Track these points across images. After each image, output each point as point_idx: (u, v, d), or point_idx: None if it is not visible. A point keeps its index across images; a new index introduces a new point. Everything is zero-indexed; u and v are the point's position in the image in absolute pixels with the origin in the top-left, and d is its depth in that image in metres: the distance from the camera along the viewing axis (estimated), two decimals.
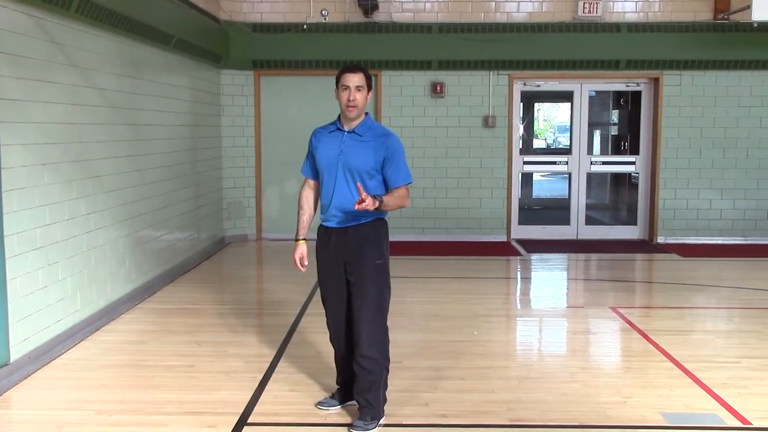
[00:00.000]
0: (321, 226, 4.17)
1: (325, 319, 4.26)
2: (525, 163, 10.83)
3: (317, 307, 5.04)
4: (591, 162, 10.80)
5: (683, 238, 10.39)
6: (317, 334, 5.63)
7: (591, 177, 11.10)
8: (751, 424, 4.11)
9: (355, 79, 3.98)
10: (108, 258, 6.29)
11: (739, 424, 4.13)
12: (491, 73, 10.26)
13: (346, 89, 3.98)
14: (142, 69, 7.16)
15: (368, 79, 4.04)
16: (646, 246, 10.28)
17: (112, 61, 6.44)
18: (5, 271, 4.68)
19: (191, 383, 4.75)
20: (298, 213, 4.31)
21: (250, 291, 7.90)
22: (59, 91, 5.47)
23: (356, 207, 3.77)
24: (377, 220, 4.09)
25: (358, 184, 3.85)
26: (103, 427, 4.07)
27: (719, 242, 10.33)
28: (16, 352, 4.79)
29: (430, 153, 10.34)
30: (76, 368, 5.05)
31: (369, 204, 3.75)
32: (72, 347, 5.44)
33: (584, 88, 10.64)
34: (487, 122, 10.29)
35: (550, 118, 22.38)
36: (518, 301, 7.53)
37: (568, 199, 10.89)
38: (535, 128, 16.57)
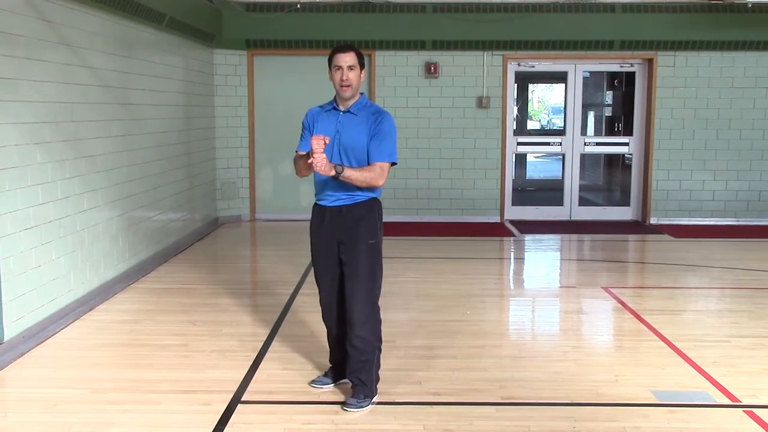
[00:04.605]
0: (315, 204, 4.16)
1: (318, 298, 4.27)
2: (519, 144, 10.82)
3: (311, 287, 5.05)
4: (585, 143, 10.80)
5: (676, 219, 10.43)
6: (311, 314, 5.65)
7: (584, 158, 11.12)
8: (740, 401, 4.16)
9: (347, 59, 3.97)
10: (101, 238, 6.28)
11: (728, 401, 4.17)
12: (485, 53, 10.23)
13: (338, 69, 3.97)
14: (134, 48, 7.11)
15: (360, 57, 4.02)
16: (639, 227, 10.32)
17: (104, 39, 6.40)
18: None
19: (185, 362, 4.77)
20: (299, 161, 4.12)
21: (243, 271, 7.91)
22: (51, 70, 5.43)
23: (308, 161, 3.76)
24: (371, 200, 4.09)
25: (325, 140, 3.78)
26: (98, 405, 4.09)
27: (711, 223, 10.38)
28: (10, 331, 4.80)
29: (424, 133, 10.33)
30: (70, 347, 5.07)
31: (321, 161, 3.71)
32: (66, 326, 5.45)
33: (578, 68, 10.62)
34: (481, 103, 10.28)
35: (544, 99, 22.38)
36: (511, 281, 7.57)
37: (562, 180, 10.91)
38: (529, 109, 16.58)
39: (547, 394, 4.26)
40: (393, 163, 4.05)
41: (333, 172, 3.81)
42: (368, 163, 3.98)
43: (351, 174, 3.88)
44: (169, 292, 6.59)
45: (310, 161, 3.78)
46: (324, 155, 3.76)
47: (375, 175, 3.95)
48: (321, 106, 4.17)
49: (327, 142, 3.79)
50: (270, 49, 10.21)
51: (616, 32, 10.04)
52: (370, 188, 4.02)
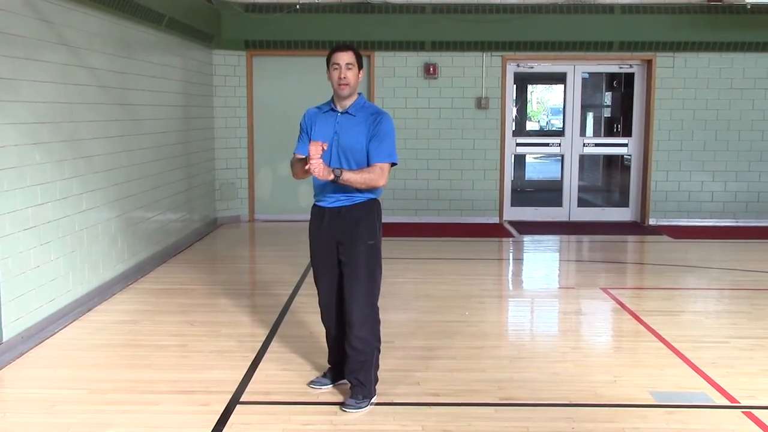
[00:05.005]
0: (314, 205, 4.16)
1: (317, 299, 4.27)
2: (518, 144, 10.83)
3: (310, 288, 5.05)
4: (584, 144, 10.81)
5: (675, 220, 10.44)
6: (310, 314, 5.65)
7: (583, 159, 11.12)
8: (738, 402, 4.16)
9: (345, 57, 3.97)
10: (100, 238, 6.28)
11: (727, 402, 4.17)
12: (484, 54, 10.23)
13: (336, 68, 3.97)
14: (133, 48, 7.11)
15: (358, 57, 4.03)
16: (638, 228, 10.32)
17: (102, 40, 6.40)
18: None
19: (184, 362, 4.76)
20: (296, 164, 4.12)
21: (242, 271, 7.91)
22: (50, 70, 5.43)
23: (305, 167, 3.77)
24: (370, 201, 4.08)
25: (323, 145, 3.78)
26: (96, 405, 4.08)
27: (710, 224, 10.39)
28: (9, 332, 4.80)
29: (423, 134, 10.33)
30: (69, 348, 5.06)
31: (318, 166, 3.72)
32: (64, 327, 5.45)
33: (577, 69, 10.63)
34: (480, 104, 10.28)
35: (543, 100, 22.39)
36: (510, 282, 7.57)
37: (561, 181, 10.91)
38: (528, 110, 16.57)
39: (546, 395, 4.26)
40: (393, 164, 4.05)
41: (331, 176, 3.81)
42: (368, 164, 3.98)
43: (350, 177, 3.87)
44: (168, 292, 6.58)
45: (307, 167, 3.78)
46: (321, 161, 3.76)
47: (374, 176, 3.94)
48: (318, 107, 4.17)
49: (325, 148, 3.79)
50: (269, 49, 10.21)
51: (615, 33, 10.04)
52: (371, 189, 4.02)
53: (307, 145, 3.99)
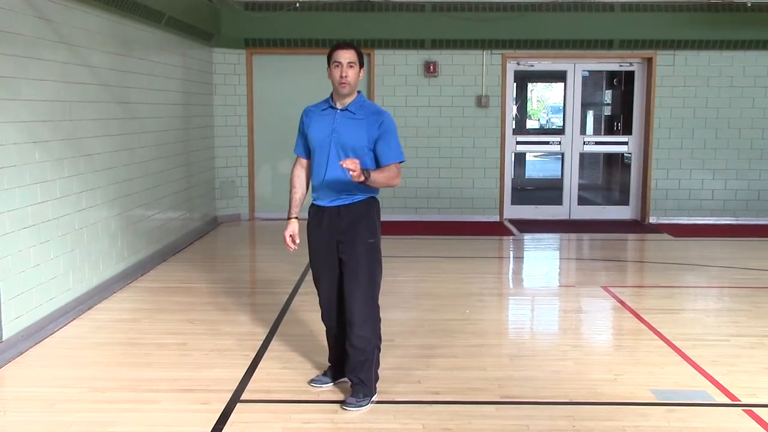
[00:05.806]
0: (312, 205, 4.16)
1: (317, 298, 4.26)
2: (518, 143, 10.82)
3: (310, 286, 5.05)
4: (584, 142, 10.80)
5: (675, 218, 10.43)
6: (310, 313, 5.65)
7: (584, 157, 11.12)
8: (739, 400, 4.16)
9: (346, 56, 3.97)
10: (100, 237, 6.28)
11: (727, 400, 4.17)
12: (484, 52, 10.23)
13: (338, 66, 3.97)
14: (132, 47, 7.11)
15: (360, 56, 4.03)
16: (638, 226, 10.32)
17: (102, 38, 6.39)
18: None
19: (184, 361, 4.76)
20: (291, 191, 4.31)
21: (242, 270, 7.90)
22: (49, 69, 5.42)
23: (343, 164, 3.72)
24: (369, 199, 4.09)
25: (341, 162, 3.78)
26: (96, 404, 4.08)
27: (711, 222, 10.38)
28: (9, 330, 4.80)
29: (423, 133, 10.33)
30: (69, 346, 5.06)
31: (356, 170, 3.70)
32: (64, 325, 5.44)
33: (577, 68, 10.62)
34: (481, 102, 10.27)
35: (544, 98, 22.36)
36: (510, 281, 7.56)
37: (561, 179, 10.91)
38: (528, 108, 16.55)
39: (547, 393, 4.26)
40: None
41: (362, 178, 3.80)
42: (377, 166, 4.02)
43: (376, 177, 3.90)
44: (168, 291, 6.58)
45: (347, 169, 3.71)
46: (356, 168, 3.70)
47: (392, 175, 4.01)
48: (316, 105, 4.17)
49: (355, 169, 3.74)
50: (269, 48, 10.20)
51: (616, 31, 10.03)
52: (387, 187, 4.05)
53: (303, 146, 4.17)
